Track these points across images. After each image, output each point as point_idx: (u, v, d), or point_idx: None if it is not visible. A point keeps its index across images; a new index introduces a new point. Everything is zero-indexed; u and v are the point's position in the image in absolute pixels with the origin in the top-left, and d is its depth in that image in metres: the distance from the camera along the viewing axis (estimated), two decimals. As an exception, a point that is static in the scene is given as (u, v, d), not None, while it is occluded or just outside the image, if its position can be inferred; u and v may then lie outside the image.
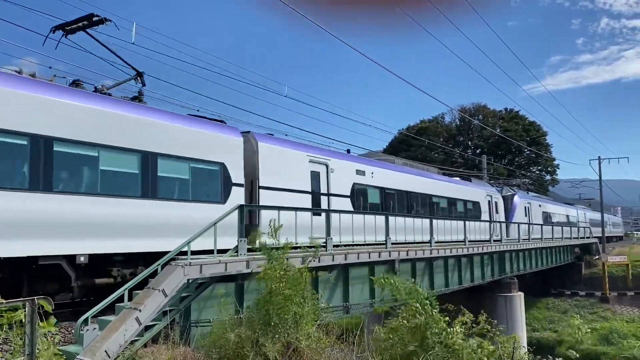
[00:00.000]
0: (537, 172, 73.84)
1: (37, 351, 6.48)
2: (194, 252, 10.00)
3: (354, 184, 18.77)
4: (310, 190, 16.50)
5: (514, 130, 68.79)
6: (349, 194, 18.45)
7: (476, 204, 30.19)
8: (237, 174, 13.90)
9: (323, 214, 14.59)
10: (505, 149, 71.26)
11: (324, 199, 17.12)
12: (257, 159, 14.65)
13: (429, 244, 18.65)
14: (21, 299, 6.21)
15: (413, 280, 10.83)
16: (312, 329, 7.90)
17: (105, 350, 7.67)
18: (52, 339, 8.52)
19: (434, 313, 8.55)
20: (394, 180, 21.69)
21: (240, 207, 11.18)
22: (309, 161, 16.80)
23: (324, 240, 13.36)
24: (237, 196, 13.64)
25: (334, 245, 13.81)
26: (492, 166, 59.74)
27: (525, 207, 37.92)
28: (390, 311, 10.63)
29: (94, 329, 8.10)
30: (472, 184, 33.12)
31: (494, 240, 25.38)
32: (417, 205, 23.64)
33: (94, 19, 12.74)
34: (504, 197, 35.45)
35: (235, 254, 10.71)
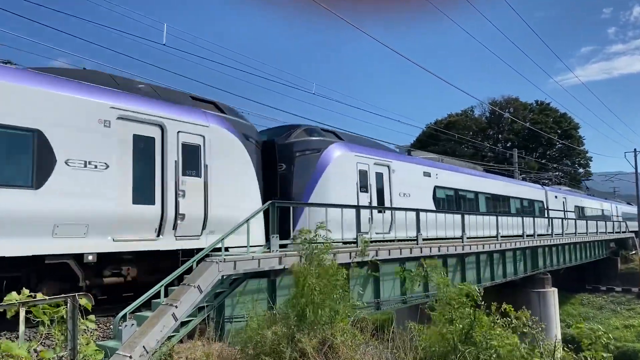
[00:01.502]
0: (570, 165, 72.25)
1: (78, 346, 6.62)
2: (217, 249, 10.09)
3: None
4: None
5: (544, 123, 67.39)
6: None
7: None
8: None
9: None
10: (536, 142, 69.88)
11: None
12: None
13: (460, 240, 18.45)
14: (63, 295, 6.34)
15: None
16: (347, 325, 7.89)
17: (143, 346, 7.79)
18: (91, 334, 8.69)
19: (477, 312, 8.45)
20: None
21: (272, 204, 11.22)
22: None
23: (355, 237, 13.36)
24: None
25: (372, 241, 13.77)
26: (523, 160, 58.67)
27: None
28: (423, 307, 10.57)
29: (132, 324, 8.23)
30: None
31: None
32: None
33: None
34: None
35: (268, 250, 10.77)
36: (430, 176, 20.61)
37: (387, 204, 17.44)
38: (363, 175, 16.60)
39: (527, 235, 24.90)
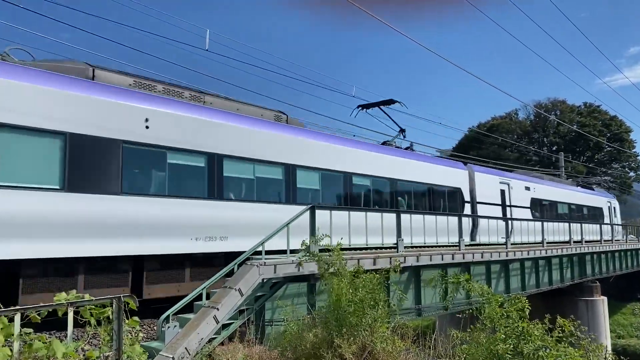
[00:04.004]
0: (620, 169, 69.56)
1: (123, 346, 6.77)
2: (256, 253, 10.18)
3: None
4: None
5: (592, 126, 65.16)
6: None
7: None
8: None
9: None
10: (584, 145, 67.62)
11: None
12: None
13: (504, 246, 18.04)
14: (109, 296, 6.50)
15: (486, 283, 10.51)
16: (387, 331, 7.79)
17: (186, 347, 7.91)
18: (136, 335, 8.89)
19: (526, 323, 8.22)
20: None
21: (312, 208, 11.23)
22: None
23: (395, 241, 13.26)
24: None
25: (405, 247, 13.63)
26: (569, 164, 56.91)
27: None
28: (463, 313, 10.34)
29: (175, 326, 8.38)
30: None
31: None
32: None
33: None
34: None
35: (308, 254, 10.77)
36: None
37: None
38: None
39: (575, 242, 24.14)
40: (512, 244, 18.54)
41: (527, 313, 8.81)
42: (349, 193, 15.57)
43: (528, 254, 19.09)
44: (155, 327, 9.87)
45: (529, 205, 25.19)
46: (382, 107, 20.71)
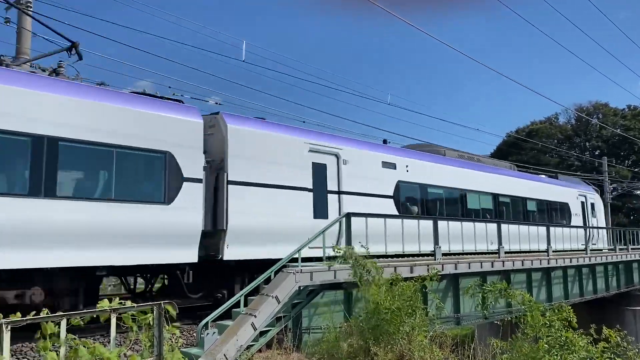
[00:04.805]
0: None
1: (163, 352, 6.90)
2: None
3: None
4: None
5: (637, 129, 63.04)
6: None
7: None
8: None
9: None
10: (628, 149, 65.43)
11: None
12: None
13: (545, 253, 17.60)
14: (150, 303, 6.64)
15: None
16: (425, 340, 7.71)
17: (224, 354, 8.01)
18: (175, 341, 9.06)
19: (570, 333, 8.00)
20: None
21: (347, 215, 11.24)
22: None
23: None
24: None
25: (443, 254, 13.46)
26: (613, 168, 55.14)
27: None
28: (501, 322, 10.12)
29: (214, 333, 8.50)
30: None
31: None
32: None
33: None
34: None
35: (344, 262, 10.76)
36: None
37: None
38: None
39: (620, 249, 23.30)
40: (553, 252, 18.06)
41: (574, 322, 8.56)
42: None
43: (570, 262, 18.56)
44: (194, 334, 10.02)
45: (391, 194, 15.71)
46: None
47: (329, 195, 13.84)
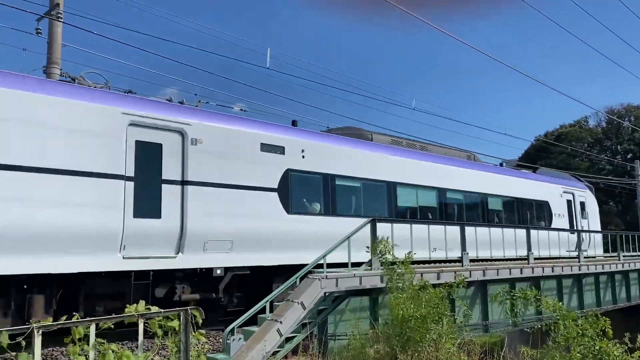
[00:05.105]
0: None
1: (190, 358, 6.94)
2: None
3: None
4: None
5: (671, 131, 61.34)
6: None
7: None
8: None
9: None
10: (662, 152, 63.73)
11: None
12: None
13: (576, 260, 17.20)
14: (176, 309, 6.69)
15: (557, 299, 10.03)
16: (453, 347, 7.59)
17: (250, 360, 8.02)
18: (202, 346, 9.11)
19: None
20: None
21: (372, 221, 11.15)
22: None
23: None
24: None
25: (471, 260, 13.26)
26: (646, 172, 53.66)
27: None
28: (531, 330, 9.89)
29: (240, 338, 8.51)
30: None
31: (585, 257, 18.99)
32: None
33: None
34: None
35: (369, 268, 10.69)
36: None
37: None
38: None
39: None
40: (585, 258, 17.64)
41: (610, 333, 8.33)
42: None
43: (603, 268, 18.10)
44: (220, 340, 10.06)
45: (275, 186, 12.40)
46: None
47: (166, 187, 10.64)
